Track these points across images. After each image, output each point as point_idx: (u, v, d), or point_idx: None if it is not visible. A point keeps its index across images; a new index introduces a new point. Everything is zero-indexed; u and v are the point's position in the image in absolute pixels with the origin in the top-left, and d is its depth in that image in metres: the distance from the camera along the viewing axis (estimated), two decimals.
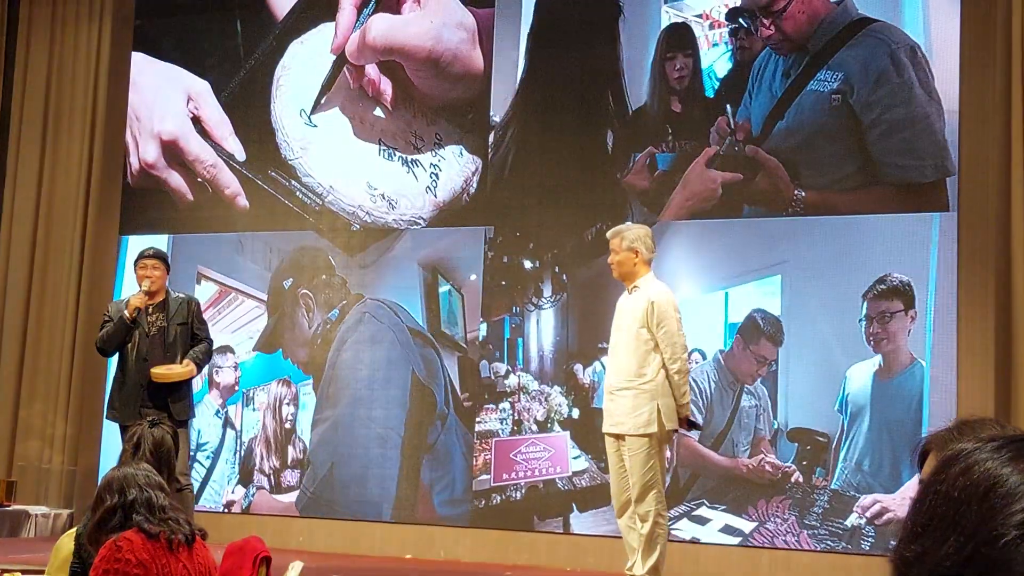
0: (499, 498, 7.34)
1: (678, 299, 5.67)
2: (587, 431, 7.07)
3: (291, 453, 7.96)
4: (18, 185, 8.83)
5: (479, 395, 7.50)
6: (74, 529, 3.67)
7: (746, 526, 6.76)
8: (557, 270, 7.43)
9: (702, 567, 6.67)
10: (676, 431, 5.52)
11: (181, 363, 6.24)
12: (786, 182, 6.90)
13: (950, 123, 6.59)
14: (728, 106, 7.09)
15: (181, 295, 6.51)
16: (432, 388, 7.59)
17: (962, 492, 0.96)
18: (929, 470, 1.78)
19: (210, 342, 6.48)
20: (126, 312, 6.29)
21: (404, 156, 7.83)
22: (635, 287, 5.52)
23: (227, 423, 8.15)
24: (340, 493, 7.73)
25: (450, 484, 7.49)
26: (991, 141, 6.54)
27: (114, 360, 6.55)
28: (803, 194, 6.86)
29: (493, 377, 7.50)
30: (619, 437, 5.39)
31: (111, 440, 7.79)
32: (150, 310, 6.32)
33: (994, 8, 6.60)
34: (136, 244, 7.90)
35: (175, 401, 6.20)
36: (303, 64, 8.17)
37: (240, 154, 8.26)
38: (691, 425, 5.61)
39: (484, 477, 7.42)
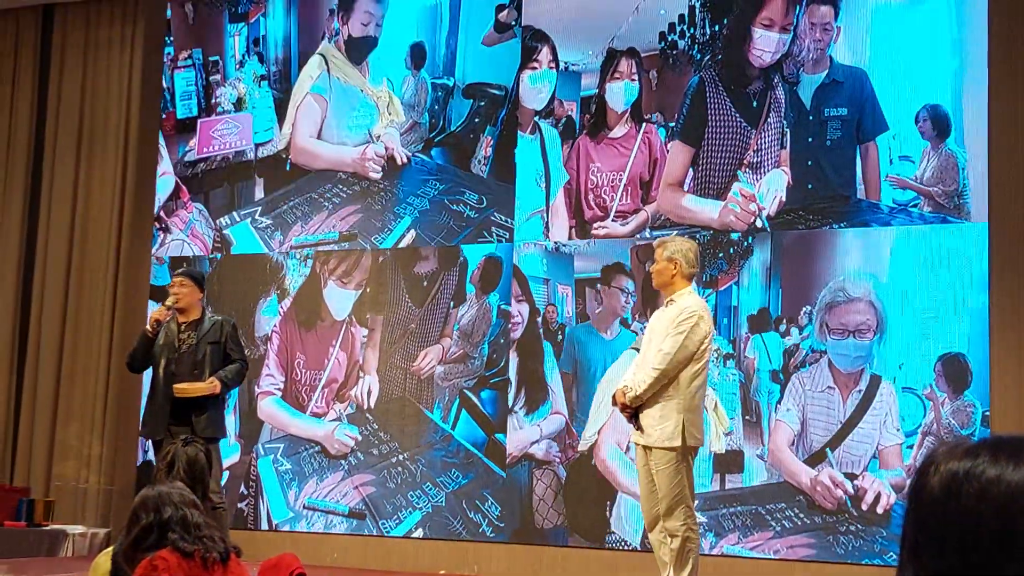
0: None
1: None
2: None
3: None
4: (53, 207, 8.93)
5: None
6: (111, 548, 3.70)
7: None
8: None
9: None
10: (698, 448, 5.45)
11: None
12: None
13: (979, 133, 6.55)
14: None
15: (218, 316, 6.55)
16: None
17: (997, 519, 0.93)
18: None
19: (243, 364, 6.46)
20: (147, 326, 6.37)
21: None
22: (671, 300, 5.40)
23: None
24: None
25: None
26: (1022, 148, 6.49)
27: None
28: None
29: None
30: (647, 450, 5.35)
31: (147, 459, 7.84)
32: (182, 328, 6.37)
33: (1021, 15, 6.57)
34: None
35: (198, 416, 6.22)
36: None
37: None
38: (635, 420, 5.34)
39: None
